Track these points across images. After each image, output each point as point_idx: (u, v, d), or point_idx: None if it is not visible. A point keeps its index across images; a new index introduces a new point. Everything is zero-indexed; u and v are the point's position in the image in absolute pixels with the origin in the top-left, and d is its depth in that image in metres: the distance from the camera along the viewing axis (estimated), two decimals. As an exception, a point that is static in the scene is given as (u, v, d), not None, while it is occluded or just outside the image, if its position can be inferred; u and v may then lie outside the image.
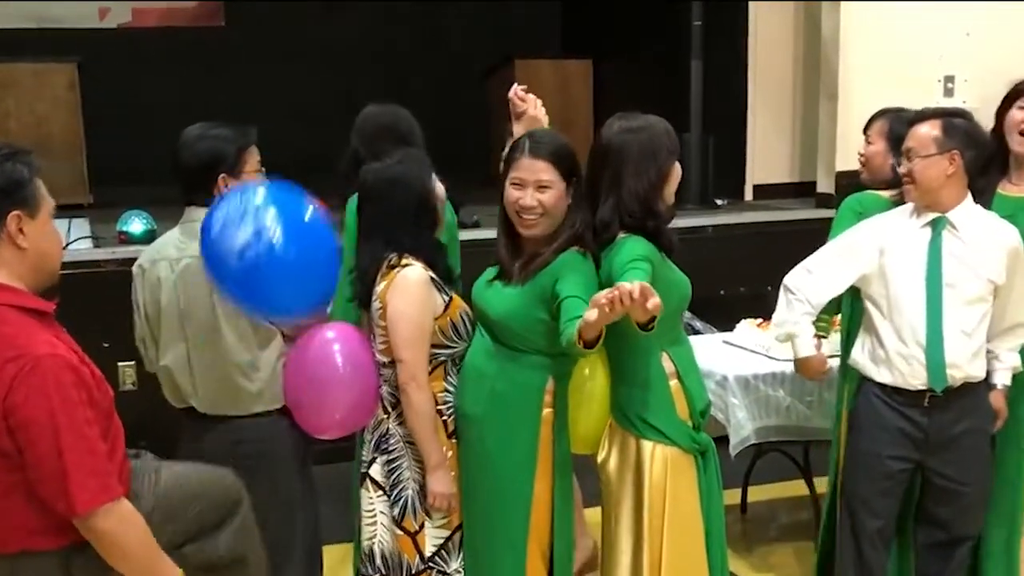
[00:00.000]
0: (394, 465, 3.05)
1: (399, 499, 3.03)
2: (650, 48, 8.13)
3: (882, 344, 3.31)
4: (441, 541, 3.04)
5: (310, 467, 3.27)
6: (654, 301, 2.37)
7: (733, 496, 4.66)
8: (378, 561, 3.10)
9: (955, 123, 3.23)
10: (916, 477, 3.40)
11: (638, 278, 2.49)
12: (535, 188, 2.86)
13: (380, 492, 3.09)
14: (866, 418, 3.39)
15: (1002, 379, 3.40)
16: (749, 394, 4.14)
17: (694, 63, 6.90)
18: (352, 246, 3.77)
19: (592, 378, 2.99)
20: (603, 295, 2.40)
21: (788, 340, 3.50)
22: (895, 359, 3.28)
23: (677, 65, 7.15)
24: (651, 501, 2.90)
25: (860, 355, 3.41)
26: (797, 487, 4.75)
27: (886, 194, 3.62)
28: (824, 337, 3.72)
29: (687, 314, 3.16)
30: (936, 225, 3.26)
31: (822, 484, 4.41)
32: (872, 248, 3.33)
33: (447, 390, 3.05)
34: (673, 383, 2.94)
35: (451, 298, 3.03)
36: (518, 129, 3.24)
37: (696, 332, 5.25)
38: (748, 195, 7.39)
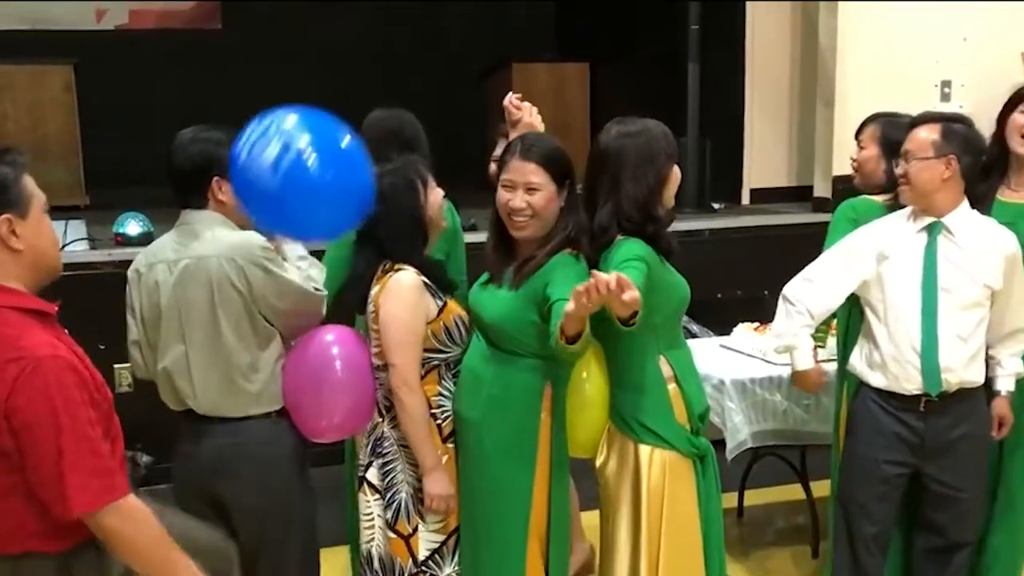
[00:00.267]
0: (388, 468, 3.06)
1: (393, 502, 3.04)
2: (647, 51, 8.15)
3: (878, 348, 3.31)
4: (435, 545, 3.04)
5: (308, 469, 3.26)
6: (631, 294, 2.37)
7: (730, 500, 4.66)
8: (376, 565, 3.10)
9: (954, 128, 3.24)
10: (914, 482, 3.39)
11: (632, 277, 2.49)
12: (524, 190, 2.88)
13: (377, 496, 3.09)
14: (863, 423, 3.39)
15: (1005, 385, 3.40)
16: (746, 398, 4.14)
17: (691, 66, 6.90)
18: (339, 245, 3.79)
19: (590, 381, 2.99)
20: (581, 285, 2.40)
21: (786, 352, 3.50)
22: (890, 363, 3.28)
23: (674, 68, 7.16)
24: (649, 505, 2.90)
25: (857, 360, 3.41)
26: (794, 491, 4.74)
27: (880, 199, 3.62)
28: (821, 346, 3.70)
29: (684, 318, 3.15)
30: (932, 230, 3.27)
31: (819, 488, 4.41)
32: (871, 254, 3.33)
33: (441, 394, 3.05)
34: (671, 387, 2.93)
35: (445, 303, 3.03)
36: (514, 136, 3.24)
37: (693, 336, 5.25)
38: (745, 199, 7.40)
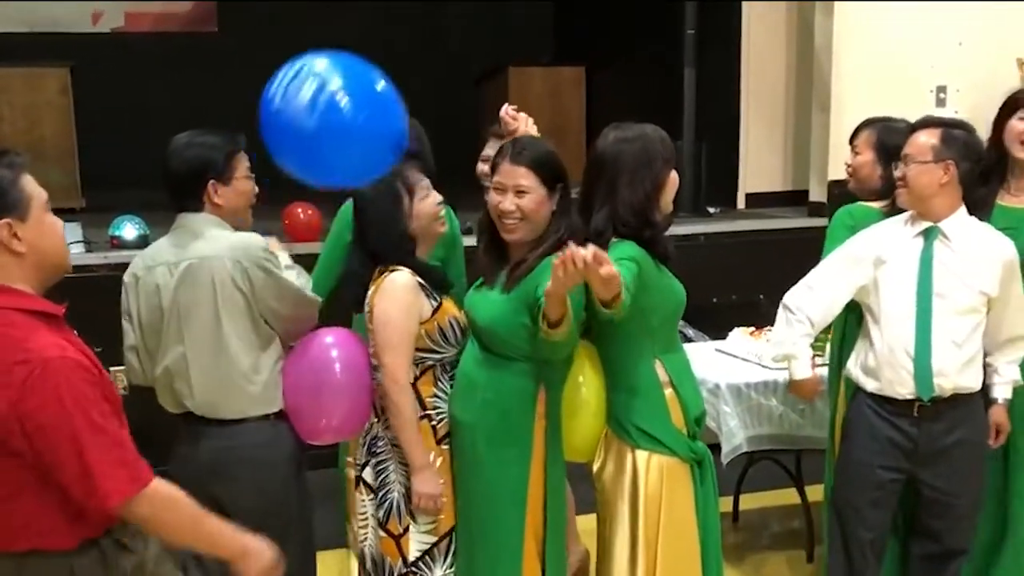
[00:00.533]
0: (381, 468, 3.07)
1: (385, 501, 3.05)
2: (643, 55, 8.15)
3: (873, 352, 3.31)
4: (426, 547, 3.04)
5: (305, 472, 3.26)
6: (607, 268, 2.40)
7: (725, 504, 4.65)
8: (368, 564, 3.12)
9: (954, 134, 3.24)
10: (910, 488, 3.39)
11: (621, 274, 2.51)
12: (514, 193, 2.88)
13: (371, 495, 3.11)
14: (858, 427, 3.39)
15: (1002, 393, 3.40)
16: (741, 402, 4.14)
17: (687, 71, 6.91)
18: (332, 246, 3.85)
19: (586, 386, 2.99)
20: (557, 259, 2.43)
21: (785, 361, 3.50)
22: (884, 367, 3.28)
23: (670, 73, 7.17)
24: (646, 510, 2.90)
25: (853, 365, 3.42)
26: (789, 495, 4.75)
27: (877, 205, 3.61)
28: (819, 355, 3.68)
29: (680, 322, 3.15)
30: (928, 235, 3.27)
31: (814, 493, 4.42)
32: (869, 259, 3.33)
33: (437, 395, 3.05)
34: (668, 392, 2.94)
35: (440, 304, 3.04)
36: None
37: (688, 340, 5.25)
38: (740, 203, 7.40)
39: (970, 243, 3.26)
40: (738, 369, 4.30)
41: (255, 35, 9.62)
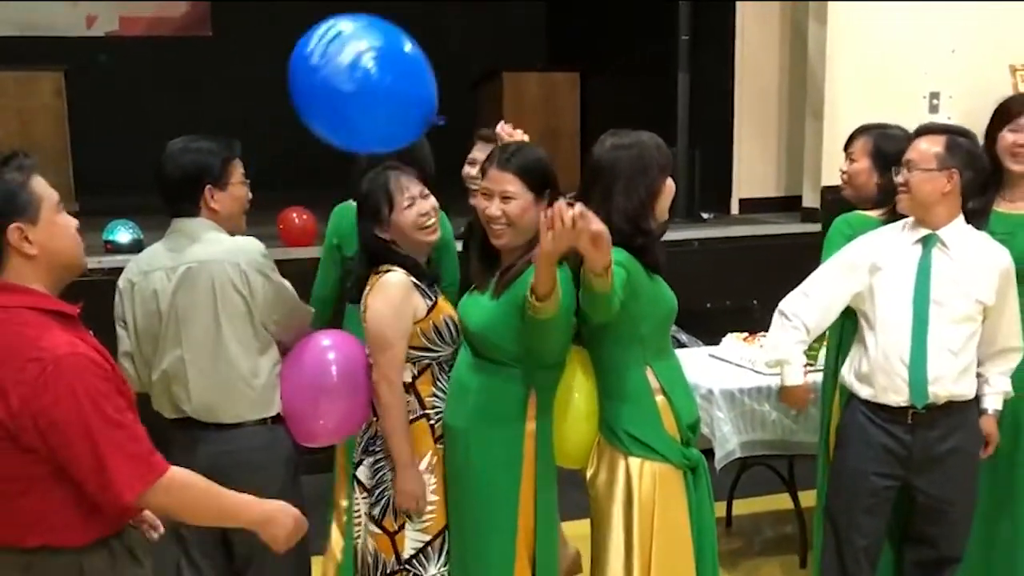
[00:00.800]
0: (378, 466, 3.09)
1: (381, 498, 3.06)
2: (637, 60, 8.16)
3: (867, 359, 3.31)
4: (421, 545, 3.06)
5: (300, 477, 3.27)
6: (597, 225, 2.45)
7: (719, 510, 4.64)
8: (360, 562, 3.15)
9: (959, 142, 3.23)
10: (903, 495, 3.39)
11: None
12: (500, 199, 2.89)
13: (365, 493, 3.13)
14: (852, 435, 3.39)
15: (992, 404, 3.39)
16: (735, 408, 4.15)
17: (681, 76, 6.92)
18: (325, 253, 3.93)
19: (579, 392, 2.99)
20: (546, 216, 2.49)
21: (778, 366, 3.50)
22: (878, 374, 3.28)
23: (664, 78, 7.18)
24: (640, 517, 2.90)
25: (847, 372, 3.42)
26: (782, 500, 4.76)
27: (875, 214, 3.60)
28: (811, 364, 3.66)
29: (672, 327, 3.15)
30: (927, 242, 3.27)
31: (807, 498, 4.42)
32: (865, 266, 3.33)
33: (435, 395, 3.08)
34: (659, 398, 2.94)
35: (435, 303, 3.06)
36: None
37: (682, 345, 5.26)
38: (734, 209, 7.41)
39: (968, 251, 3.26)
40: (732, 375, 4.31)
41: (249, 39, 9.63)
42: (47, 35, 9.32)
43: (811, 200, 6.89)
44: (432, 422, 3.07)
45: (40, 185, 2.26)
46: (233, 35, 9.75)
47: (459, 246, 3.83)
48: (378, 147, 3.01)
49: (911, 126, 3.52)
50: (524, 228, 2.90)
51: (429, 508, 3.05)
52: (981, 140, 3.55)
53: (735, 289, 6.14)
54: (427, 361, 3.06)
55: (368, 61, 2.70)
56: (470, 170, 3.90)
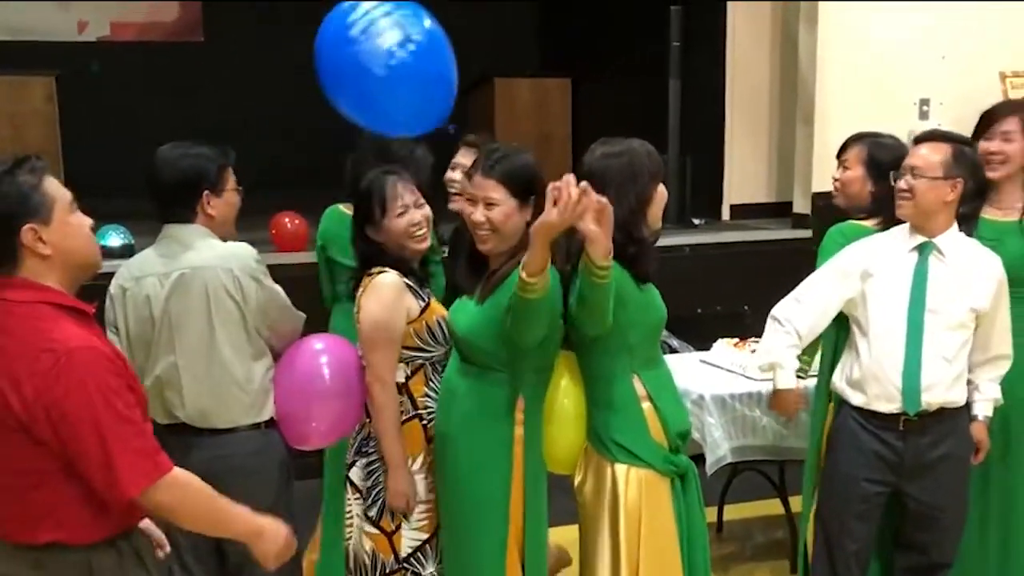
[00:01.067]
0: (373, 467, 3.10)
1: (377, 499, 3.08)
2: (629, 67, 8.17)
3: (859, 366, 3.32)
4: (418, 543, 3.08)
5: (291, 482, 3.28)
6: (601, 201, 2.53)
7: (709, 515, 4.62)
8: (353, 562, 3.15)
9: (965, 152, 3.24)
10: (894, 501, 3.40)
11: None
12: (484, 205, 2.90)
13: (357, 495, 3.14)
14: (843, 441, 3.40)
15: (983, 410, 3.40)
16: (725, 413, 4.15)
17: (672, 83, 6.93)
18: (318, 257, 3.95)
19: (568, 398, 2.99)
20: (553, 187, 2.55)
21: (771, 370, 3.51)
22: (870, 381, 3.29)
23: (655, 84, 7.19)
24: (627, 524, 2.90)
25: (838, 378, 3.42)
26: (773, 506, 4.76)
27: (870, 223, 3.59)
28: (802, 376, 3.66)
29: (663, 332, 3.16)
30: (923, 250, 3.28)
31: (798, 503, 4.43)
32: (858, 273, 3.34)
33: (428, 395, 3.10)
34: (646, 405, 2.94)
35: (428, 303, 3.08)
36: None
37: (673, 351, 5.27)
38: (725, 215, 7.42)
39: (962, 259, 3.27)
40: (722, 380, 4.31)
41: (241, 44, 9.62)
42: (38, 40, 9.31)
43: (802, 206, 6.91)
44: (425, 423, 3.09)
45: (53, 186, 2.29)
46: (224, 40, 9.74)
47: (445, 252, 3.86)
48: (406, 131, 3.00)
49: (901, 132, 3.54)
50: (508, 234, 2.91)
51: (425, 507, 3.08)
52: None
53: (726, 295, 6.15)
54: (420, 361, 3.08)
55: (414, 56, 2.69)
56: (452, 175, 3.92)
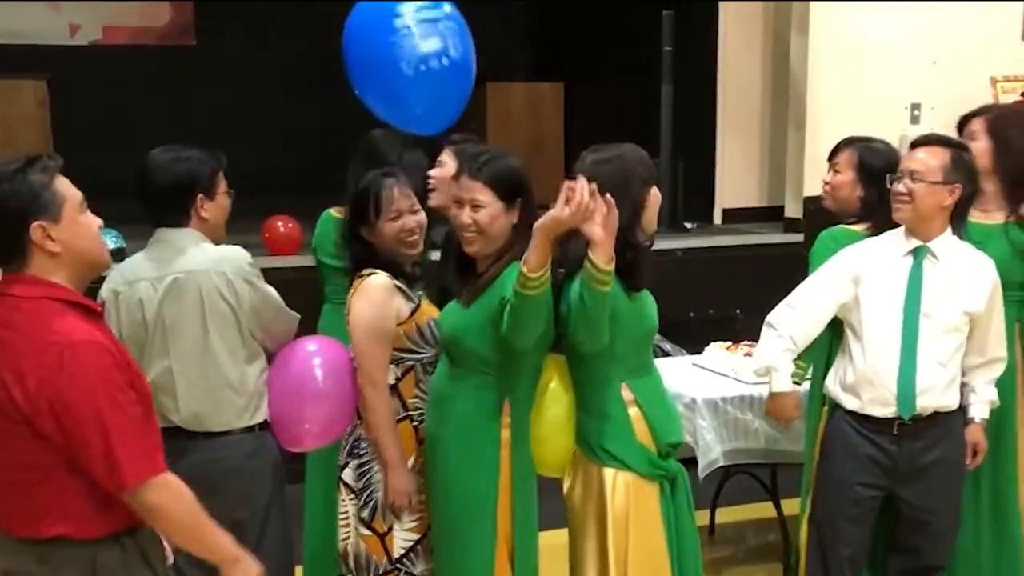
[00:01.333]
0: (365, 468, 3.11)
1: (369, 500, 3.09)
2: (621, 72, 8.18)
3: (853, 370, 3.32)
4: (410, 544, 3.10)
5: (284, 484, 3.28)
6: (608, 197, 2.59)
7: (701, 518, 4.66)
8: (350, 563, 3.15)
9: (964, 157, 3.25)
10: (887, 505, 3.40)
11: None
12: (470, 207, 2.92)
13: (352, 495, 3.14)
14: (837, 445, 3.40)
15: (979, 413, 3.40)
16: (717, 416, 4.16)
17: (664, 88, 6.94)
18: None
19: (555, 399, 3.00)
20: (567, 188, 2.62)
21: (767, 374, 3.51)
22: (864, 385, 3.29)
23: (648, 89, 7.20)
24: (615, 528, 2.90)
25: (832, 382, 3.43)
26: (765, 509, 4.76)
27: (860, 228, 3.59)
28: (797, 383, 3.66)
29: (656, 336, 3.16)
30: (917, 254, 3.28)
31: (790, 506, 4.43)
32: (851, 277, 3.34)
33: (418, 396, 3.11)
34: (633, 411, 2.94)
35: (418, 305, 3.09)
36: None
37: (666, 354, 5.27)
38: (717, 219, 7.43)
39: (956, 263, 3.27)
40: (715, 384, 4.32)
41: (233, 48, 9.60)
42: (30, 43, 9.27)
43: (793, 210, 6.92)
44: (415, 423, 3.10)
45: (64, 185, 2.32)
46: (217, 44, 9.71)
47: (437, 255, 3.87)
48: (423, 130, 3.02)
49: (892, 137, 3.55)
50: (494, 236, 2.92)
51: (417, 508, 3.08)
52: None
53: (718, 298, 6.16)
54: (410, 363, 3.09)
55: (444, 67, 2.72)
56: (433, 172, 3.92)
